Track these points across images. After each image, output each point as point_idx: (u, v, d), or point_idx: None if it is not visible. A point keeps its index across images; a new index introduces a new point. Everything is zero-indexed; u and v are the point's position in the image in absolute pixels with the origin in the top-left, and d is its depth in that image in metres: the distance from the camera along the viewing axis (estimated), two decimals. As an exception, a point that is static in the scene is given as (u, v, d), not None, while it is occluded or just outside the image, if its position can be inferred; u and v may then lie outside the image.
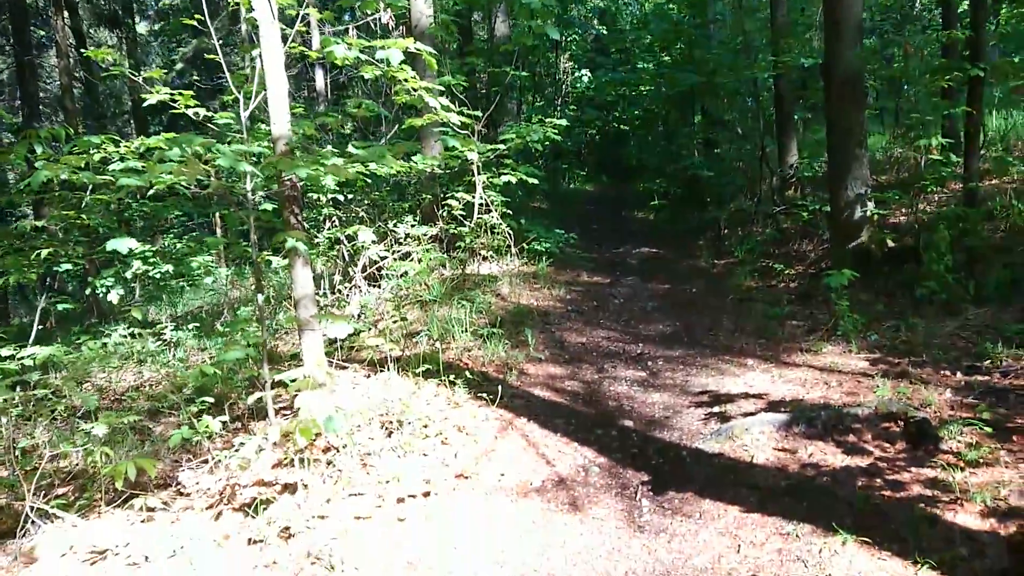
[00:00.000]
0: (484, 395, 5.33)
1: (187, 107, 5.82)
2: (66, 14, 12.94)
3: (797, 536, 3.48)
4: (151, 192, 5.69)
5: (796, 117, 11.20)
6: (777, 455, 4.31)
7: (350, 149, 4.75)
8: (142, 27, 22.79)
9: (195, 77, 20.65)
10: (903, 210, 8.86)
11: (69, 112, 12.41)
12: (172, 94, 5.70)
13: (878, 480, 3.87)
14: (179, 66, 19.76)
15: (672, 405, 5.45)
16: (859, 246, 7.62)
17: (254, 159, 4.88)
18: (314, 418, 3.58)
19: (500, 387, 5.40)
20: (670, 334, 7.37)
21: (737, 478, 4.13)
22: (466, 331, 6.86)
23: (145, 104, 5.67)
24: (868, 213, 7.66)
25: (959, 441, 4.15)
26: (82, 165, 4.59)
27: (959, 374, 5.21)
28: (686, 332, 7.35)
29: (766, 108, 11.79)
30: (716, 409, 5.19)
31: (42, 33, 18.91)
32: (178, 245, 9.00)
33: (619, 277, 9.88)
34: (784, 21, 10.00)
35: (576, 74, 17.44)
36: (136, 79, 5.90)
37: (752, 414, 4.86)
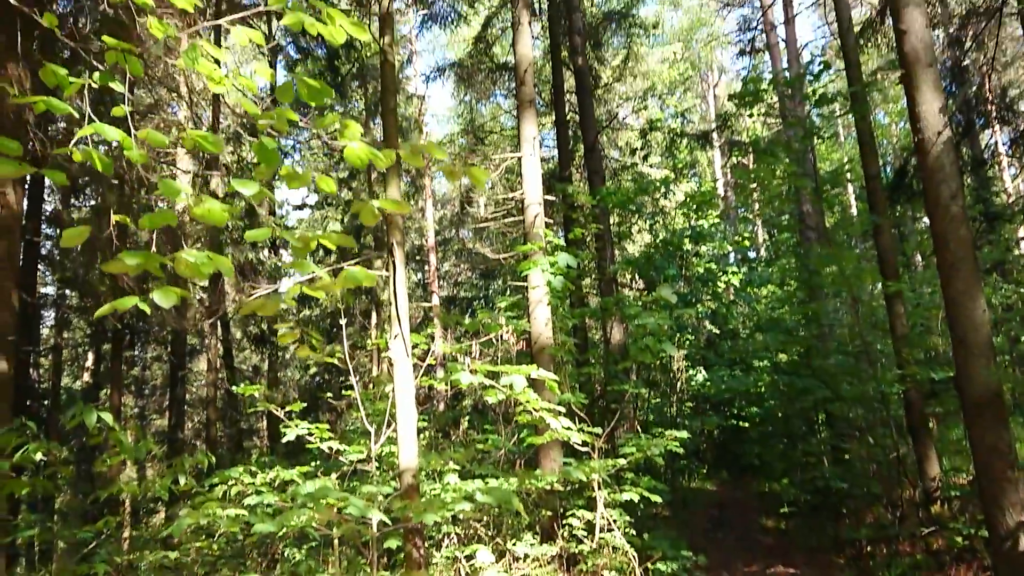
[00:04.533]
0: None
1: (322, 440, 6.09)
2: (219, 331, 14.36)
3: None
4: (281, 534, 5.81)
5: (931, 425, 10.69)
6: None
7: (477, 496, 4.77)
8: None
9: (327, 377, 22.25)
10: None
11: (211, 422, 13.28)
12: (309, 428, 6.02)
13: None
14: (313, 370, 21.23)
15: None
16: (1030, 580, 6.80)
17: (382, 500, 4.95)
18: None
19: None
20: None
21: None
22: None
23: (284, 440, 5.99)
24: (1034, 541, 6.92)
25: None
26: (218, 511, 4.77)
27: None
28: None
29: (896, 413, 11.35)
30: None
31: (195, 342, 20.94)
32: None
33: (754, 602, 9.07)
34: (905, 331, 9.92)
35: (690, 372, 17.58)
36: (277, 412, 6.28)
37: None
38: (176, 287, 2.54)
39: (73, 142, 2.36)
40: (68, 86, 2.38)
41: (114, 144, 2.42)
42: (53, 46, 8.46)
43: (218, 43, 13.25)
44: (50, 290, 18.80)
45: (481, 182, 2.89)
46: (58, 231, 17.79)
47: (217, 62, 2.59)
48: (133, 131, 2.43)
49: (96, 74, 2.43)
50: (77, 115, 2.34)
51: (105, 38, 2.36)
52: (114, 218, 2.43)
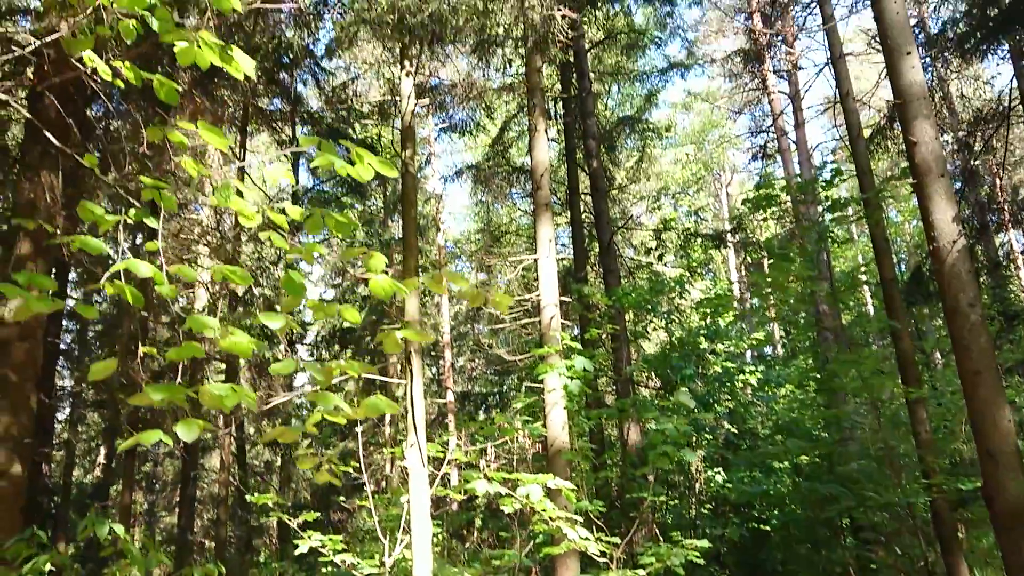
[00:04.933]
0: None
1: (335, 552, 5.98)
2: (233, 428, 14.29)
3: None
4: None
5: (960, 534, 10.33)
6: None
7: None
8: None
9: (343, 468, 21.89)
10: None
11: (221, 521, 13.07)
12: (321, 540, 5.93)
13: None
14: (326, 467, 20.92)
15: None
16: None
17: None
18: None
19: None
20: None
21: None
22: None
23: (296, 552, 5.89)
24: (1078, 666, 6.58)
25: None
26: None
27: None
28: None
29: (923, 515, 11.00)
30: None
31: (208, 437, 20.78)
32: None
33: None
34: (928, 437, 9.67)
35: (708, 473, 17.21)
36: (290, 523, 6.19)
37: None
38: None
39: (105, 277, 2.41)
40: (104, 223, 2.45)
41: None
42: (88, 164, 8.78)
43: (243, 147, 13.68)
44: (67, 382, 18.90)
45: (504, 307, 2.92)
46: (78, 325, 18.01)
47: (240, 193, 2.67)
48: (164, 265, 2.49)
49: (132, 211, 2.51)
50: (111, 253, 2.40)
51: (142, 178, 2.45)
52: (141, 350, 2.47)
